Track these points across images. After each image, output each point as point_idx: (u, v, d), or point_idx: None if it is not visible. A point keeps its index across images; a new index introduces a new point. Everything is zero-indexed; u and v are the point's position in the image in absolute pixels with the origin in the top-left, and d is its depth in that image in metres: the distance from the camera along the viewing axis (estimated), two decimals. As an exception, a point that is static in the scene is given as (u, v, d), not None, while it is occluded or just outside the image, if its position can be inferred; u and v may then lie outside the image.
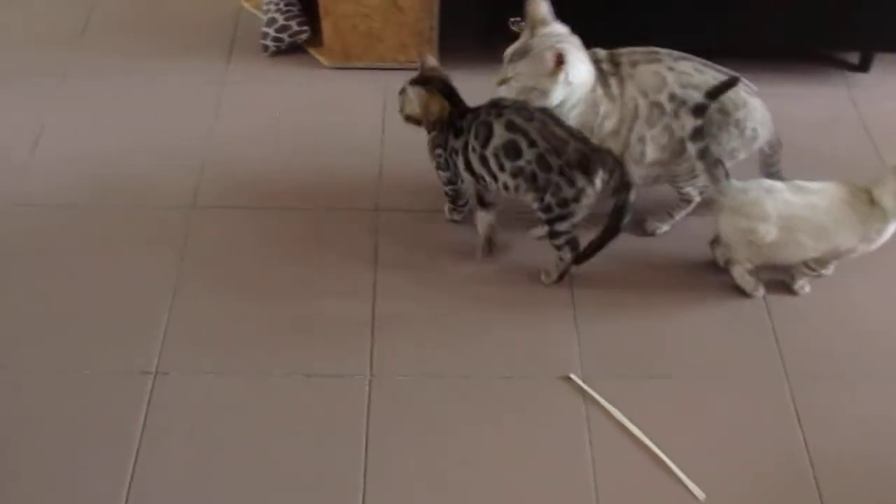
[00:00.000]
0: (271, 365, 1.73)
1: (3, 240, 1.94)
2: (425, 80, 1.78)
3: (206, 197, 2.02)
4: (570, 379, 1.72)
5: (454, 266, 1.91)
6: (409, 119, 1.81)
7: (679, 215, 1.95)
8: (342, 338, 1.78)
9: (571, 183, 1.66)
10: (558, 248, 1.79)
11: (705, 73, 1.73)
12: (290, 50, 2.35)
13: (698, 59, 1.76)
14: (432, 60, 1.81)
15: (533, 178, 1.68)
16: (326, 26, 2.21)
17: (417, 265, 1.91)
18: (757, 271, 1.82)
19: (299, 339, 1.78)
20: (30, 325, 1.80)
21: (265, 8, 2.34)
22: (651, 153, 1.79)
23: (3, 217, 1.98)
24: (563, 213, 1.70)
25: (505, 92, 1.73)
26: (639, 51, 1.77)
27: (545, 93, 1.68)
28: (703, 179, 1.76)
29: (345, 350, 1.76)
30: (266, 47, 2.33)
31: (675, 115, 1.73)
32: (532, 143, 1.66)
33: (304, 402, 1.68)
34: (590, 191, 1.67)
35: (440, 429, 1.65)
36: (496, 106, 1.71)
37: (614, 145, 1.77)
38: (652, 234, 1.96)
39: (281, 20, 2.29)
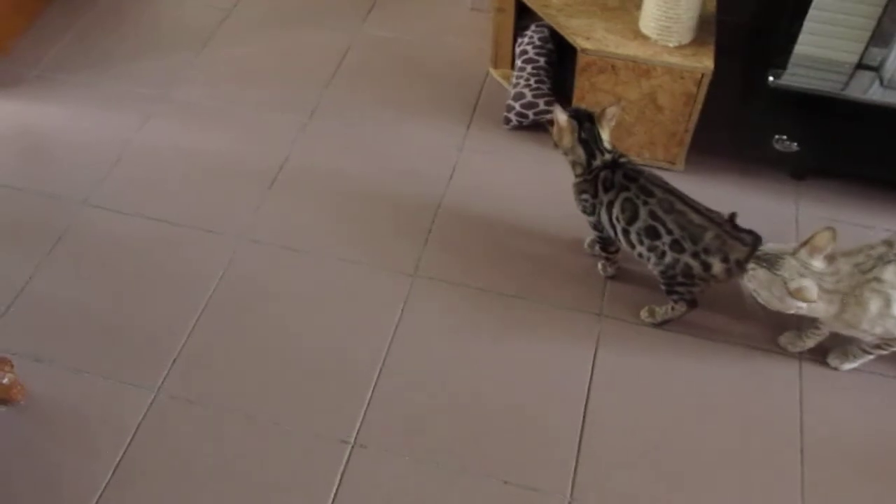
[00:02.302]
0: (470, 462, 1.67)
1: (226, 275, 1.99)
2: (576, 113, 1.76)
3: (428, 267, 1.99)
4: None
5: (676, 395, 1.77)
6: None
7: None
8: (546, 449, 1.69)
9: (706, 267, 1.69)
10: (674, 300, 1.81)
11: None
12: (530, 126, 2.30)
13: None
14: (613, 111, 1.76)
15: (663, 255, 1.73)
16: (577, 112, 2.14)
17: (636, 386, 1.79)
18: None
19: (501, 441, 1.70)
20: (235, 365, 1.83)
21: (514, 81, 2.31)
22: None
23: (233, 252, 2.03)
24: (686, 282, 1.74)
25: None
26: None
27: (770, 304, 1.59)
28: None
29: (548, 463, 1.67)
30: (508, 120, 2.29)
31: None
32: (669, 231, 1.70)
33: (497, 511, 1.61)
34: (723, 275, 1.69)
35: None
36: (644, 190, 1.72)
37: None
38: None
39: (529, 97, 2.25)
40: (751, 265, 1.59)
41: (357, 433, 1.71)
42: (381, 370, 1.81)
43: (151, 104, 2.41)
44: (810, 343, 1.81)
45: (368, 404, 1.76)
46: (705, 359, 1.83)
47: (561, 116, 1.75)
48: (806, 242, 1.55)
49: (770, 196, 2.13)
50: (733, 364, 1.82)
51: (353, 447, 1.69)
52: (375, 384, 1.79)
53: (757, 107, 2.01)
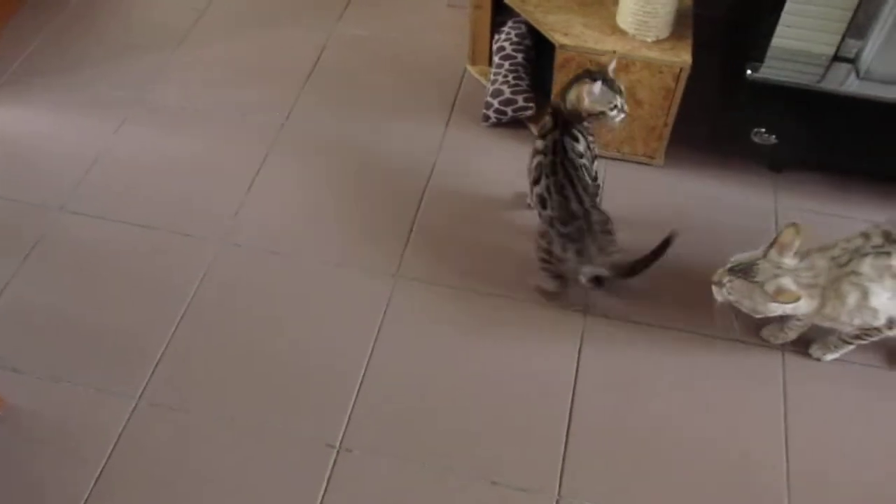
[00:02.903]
0: (456, 463, 1.66)
1: (206, 279, 1.96)
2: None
3: (410, 269, 1.98)
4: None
5: (660, 390, 1.77)
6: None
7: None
8: (533, 448, 1.69)
9: (563, 249, 1.77)
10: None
11: None
12: (509, 123, 2.29)
13: None
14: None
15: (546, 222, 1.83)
16: (555, 108, 2.13)
17: (620, 382, 1.79)
18: None
19: (488, 441, 1.70)
20: (217, 370, 1.81)
21: (492, 78, 2.30)
22: None
23: (213, 255, 2.01)
24: (549, 257, 1.82)
25: (716, 292, 1.65)
26: None
27: (755, 311, 1.60)
28: None
29: (535, 462, 1.67)
30: (487, 117, 2.28)
31: None
32: (552, 208, 1.79)
33: (485, 512, 1.60)
34: (573, 265, 1.78)
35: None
36: (553, 164, 1.79)
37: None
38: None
39: (507, 93, 2.24)
40: (727, 278, 1.60)
41: (342, 436, 1.70)
42: (365, 372, 1.80)
43: (126, 107, 2.37)
44: (792, 335, 1.81)
45: (353, 407, 1.74)
46: (689, 353, 1.83)
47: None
48: (773, 242, 1.56)
49: (749, 189, 2.14)
50: (717, 358, 1.82)
51: (338, 451, 1.68)
52: (360, 386, 1.78)
53: (735, 100, 2.01)
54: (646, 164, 2.19)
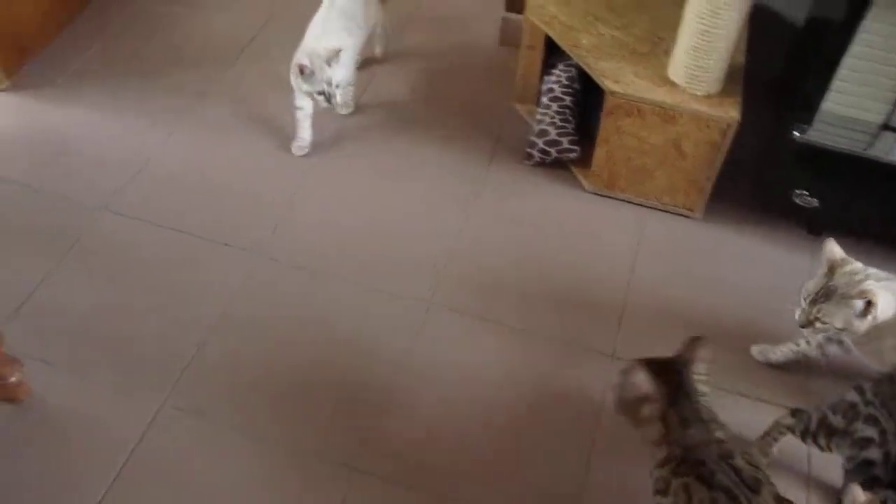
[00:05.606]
0: (477, 498, 1.65)
1: (241, 290, 1.99)
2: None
3: (443, 298, 1.99)
4: None
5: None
6: None
7: None
8: (550, 484, 1.68)
9: None
10: None
11: None
12: (552, 164, 2.31)
13: None
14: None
15: None
16: (599, 153, 2.15)
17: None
18: None
19: (506, 478, 1.69)
20: (243, 381, 1.83)
21: (539, 118, 2.32)
22: None
23: (249, 268, 2.04)
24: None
25: (809, 334, 1.71)
26: None
27: (852, 332, 1.60)
28: None
29: (550, 499, 1.65)
30: (531, 156, 2.30)
31: None
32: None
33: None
34: None
35: None
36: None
37: None
38: None
39: (553, 134, 2.26)
40: (815, 308, 1.60)
41: (362, 459, 1.70)
42: (389, 398, 1.80)
43: (177, 116, 2.42)
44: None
45: (376, 431, 1.75)
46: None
47: None
48: (826, 266, 1.63)
49: (786, 249, 2.13)
50: (743, 416, 1.81)
51: (356, 473, 1.68)
52: (382, 412, 1.78)
53: (780, 160, 2.03)
54: (685, 215, 2.19)
